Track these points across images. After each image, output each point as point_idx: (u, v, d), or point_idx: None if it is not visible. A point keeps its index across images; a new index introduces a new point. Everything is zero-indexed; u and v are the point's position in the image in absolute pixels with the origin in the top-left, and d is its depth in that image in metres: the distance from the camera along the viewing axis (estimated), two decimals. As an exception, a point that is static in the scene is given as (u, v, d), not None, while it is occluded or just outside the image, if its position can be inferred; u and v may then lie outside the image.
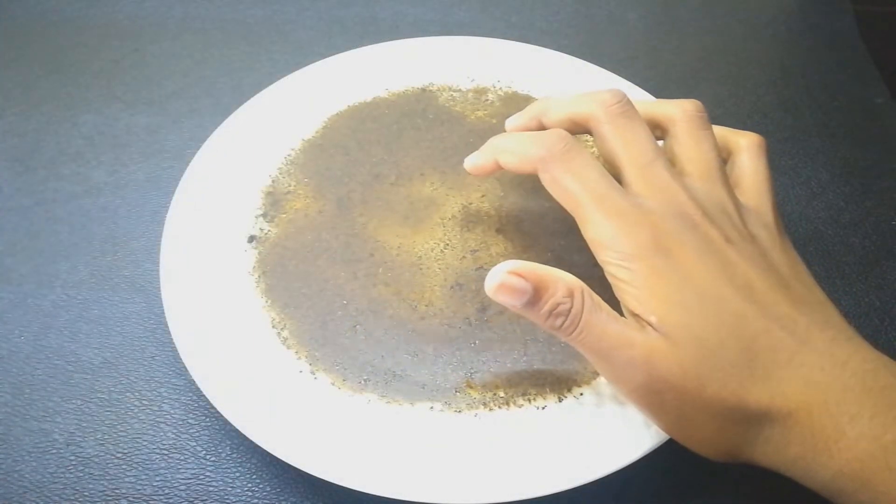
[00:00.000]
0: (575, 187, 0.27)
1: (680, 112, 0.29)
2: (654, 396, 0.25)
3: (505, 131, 0.33)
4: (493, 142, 0.31)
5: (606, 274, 0.26)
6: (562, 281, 0.26)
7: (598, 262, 0.26)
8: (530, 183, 0.36)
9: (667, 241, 0.25)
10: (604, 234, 0.26)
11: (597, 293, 0.26)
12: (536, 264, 0.26)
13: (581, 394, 0.30)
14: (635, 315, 0.25)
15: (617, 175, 0.28)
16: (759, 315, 0.25)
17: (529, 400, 0.30)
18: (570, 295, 0.25)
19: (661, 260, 0.25)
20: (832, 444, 0.23)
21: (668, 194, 0.26)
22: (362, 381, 0.30)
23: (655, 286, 0.25)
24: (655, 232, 0.25)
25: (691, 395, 0.24)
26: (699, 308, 0.25)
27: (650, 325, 0.25)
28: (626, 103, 0.28)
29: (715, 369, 0.24)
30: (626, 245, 0.25)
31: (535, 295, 0.25)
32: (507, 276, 0.25)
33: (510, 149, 0.29)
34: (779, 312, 0.25)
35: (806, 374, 0.24)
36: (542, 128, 0.32)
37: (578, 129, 0.30)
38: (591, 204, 0.26)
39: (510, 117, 0.33)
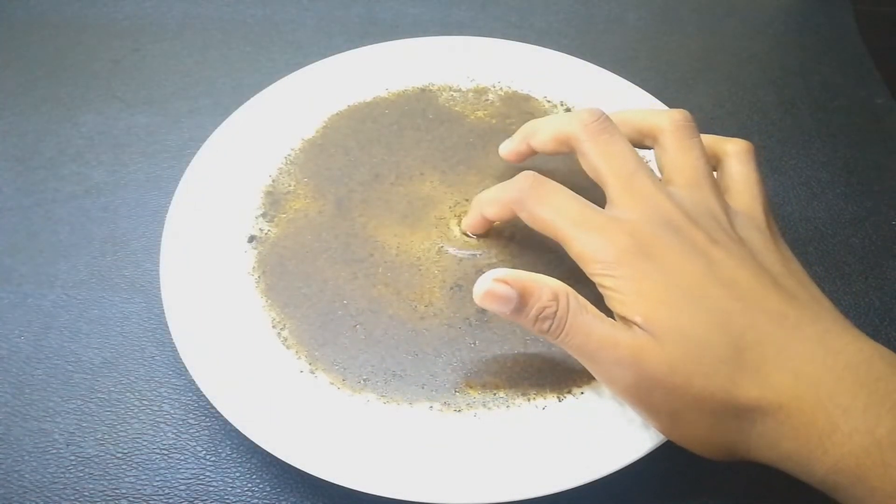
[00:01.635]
0: (551, 215, 0.27)
1: (668, 121, 0.29)
2: (644, 395, 0.25)
3: (504, 131, 0.34)
4: (475, 200, 0.32)
5: (597, 286, 0.27)
6: (546, 286, 0.26)
7: (588, 276, 0.27)
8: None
9: (649, 245, 0.26)
10: (586, 246, 0.26)
11: (596, 296, 0.26)
12: (521, 272, 0.27)
13: (581, 393, 0.30)
14: (623, 318, 0.26)
15: (602, 190, 0.28)
16: (746, 311, 0.25)
17: (529, 400, 0.30)
18: (555, 299, 0.26)
19: (645, 263, 0.25)
20: (825, 438, 0.23)
21: (651, 203, 0.27)
22: (362, 381, 0.30)
23: (640, 288, 0.25)
24: (636, 237, 0.26)
25: (680, 392, 0.24)
26: (684, 305, 0.25)
27: (636, 325, 0.25)
28: (604, 120, 0.29)
29: (702, 365, 0.24)
30: (608, 253, 0.26)
31: (521, 301, 0.26)
32: (492, 284, 0.26)
33: (489, 200, 0.31)
34: (767, 308, 0.25)
35: (796, 367, 0.24)
36: (531, 150, 0.33)
37: (563, 148, 0.30)
38: (568, 224, 0.27)
39: (502, 144, 0.34)
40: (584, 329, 0.26)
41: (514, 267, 0.33)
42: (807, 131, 0.43)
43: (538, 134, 0.31)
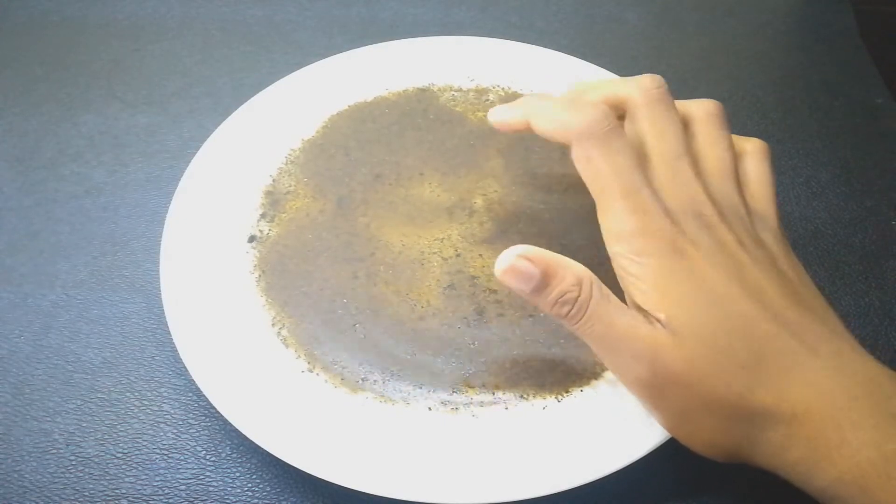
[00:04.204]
0: (607, 173, 0.26)
1: (702, 111, 0.29)
2: (657, 391, 0.25)
3: (504, 133, 0.33)
4: (530, 101, 0.29)
5: (615, 265, 0.26)
6: (571, 269, 0.25)
7: (608, 251, 0.26)
8: (530, 184, 0.36)
9: (682, 242, 0.25)
10: (622, 226, 0.25)
11: (608, 285, 0.26)
12: (547, 251, 0.26)
13: (580, 393, 0.30)
14: (643, 310, 0.25)
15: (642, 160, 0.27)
16: (769, 319, 0.24)
17: (528, 400, 0.30)
18: (579, 283, 0.25)
19: (675, 260, 0.25)
20: (834, 450, 0.23)
21: (688, 192, 0.26)
22: (360, 380, 0.30)
23: (667, 284, 0.25)
24: (673, 232, 0.25)
25: (695, 392, 0.24)
26: (709, 308, 0.24)
27: (658, 321, 0.25)
28: (666, 91, 0.28)
29: (721, 369, 0.24)
30: (642, 242, 0.25)
31: (543, 281, 0.25)
32: (516, 260, 0.25)
33: (548, 113, 0.27)
34: (788, 318, 0.25)
35: (812, 380, 0.24)
36: None
37: (614, 111, 0.29)
38: (617, 194, 0.25)
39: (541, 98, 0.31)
40: (604, 319, 0.25)
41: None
42: (807, 131, 0.43)
43: (589, 94, 0.30)
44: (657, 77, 0.28)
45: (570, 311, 0.25)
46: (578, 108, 0.26)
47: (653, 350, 0.24)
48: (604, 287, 0.26)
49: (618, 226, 0.26)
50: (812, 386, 0.24)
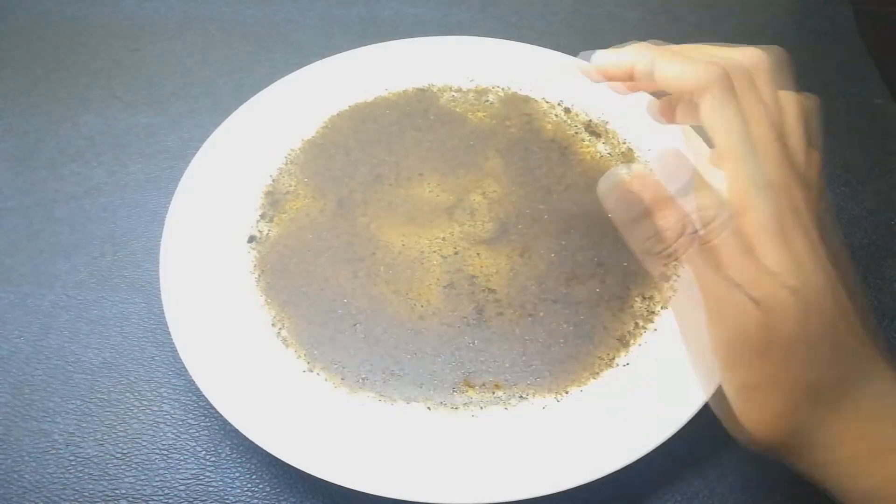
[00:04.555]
0: (740, 129, 0.24)
1: (802, 104, 0.27)
2: (740, 358, 0.24)
3: (503, 133, 0.33)
4: (651, 49, 0.26)
5: (707, 228, 0.24)
6: (675, 210, 0.24)
7: (700, 211, 0.24)
8: (530, 184, 0.36)
9: (785, 221, 0.24)
10: (760, 173, 0.24)
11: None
12: (660, 184, 0.24)
13: (580, 392, 0.30)
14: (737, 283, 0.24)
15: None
16: (851, 328, 0.25)
17: (528, 399, 0.30)
18: (679, 227, 0.23)
19: (785, 236, 0.24)
20: (890, 449, 0.23)
21: (783, 174, 0.25)
22: (360, 380, 0.30)
23: (786, 260, 0.24)
24: (781, 207, 0.24)
25: (778, 370, 0.24)
26: (808, 298, 0.24)
27: (752, 298, 0.23)
28: (780, 71, 0.26)
29: (809, 357, 0.24)
30: (761, 214, 0.23)
31: (645, 213, 0.24)
32: (629, 180, 0.24)
33: (674, 63, 0.25)
34: (857, 331, 0.25)
35: (878, 388, 0.24)
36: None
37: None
38: (746, 154, 0.24)
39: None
40: (697, 269, 0.24)
41: (512, 266, 0.33)
42: (807, 131, 0.43)
43: (696, 54, 0.26)
44: (772, 50, 0.26)
45: (661, 251, 0.24)
46: (701, 66, 0.24)
47: (742, 320, 0.23)
48: (703, 239, 0.24)
49: (754, 171, 0.24)
50: (878, 392, 0.24)
